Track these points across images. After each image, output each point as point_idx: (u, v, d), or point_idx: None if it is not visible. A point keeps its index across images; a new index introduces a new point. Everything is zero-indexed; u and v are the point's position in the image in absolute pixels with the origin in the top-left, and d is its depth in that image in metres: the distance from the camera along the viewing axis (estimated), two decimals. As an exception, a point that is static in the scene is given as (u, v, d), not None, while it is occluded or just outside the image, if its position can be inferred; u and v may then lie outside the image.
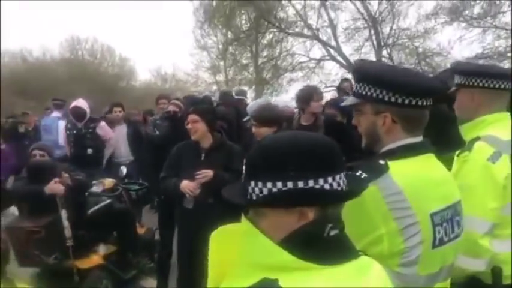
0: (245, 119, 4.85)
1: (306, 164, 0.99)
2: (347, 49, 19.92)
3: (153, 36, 45.97)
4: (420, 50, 18.03)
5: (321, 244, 0.99)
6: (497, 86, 2.12)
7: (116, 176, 5.44)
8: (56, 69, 27.53)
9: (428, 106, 1.54)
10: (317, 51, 20.78)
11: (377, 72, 1.57)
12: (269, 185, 0.99)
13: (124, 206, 4.91)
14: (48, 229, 3.95)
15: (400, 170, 1.46)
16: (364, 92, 1.56)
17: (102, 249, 4.48)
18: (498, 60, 14.81)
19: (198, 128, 3.72)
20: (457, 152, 2.10)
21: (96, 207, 4.54)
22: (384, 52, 19.16)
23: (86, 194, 4.53)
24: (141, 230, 5.15)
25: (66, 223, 3.95)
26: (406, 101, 1.49)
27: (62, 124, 7.07)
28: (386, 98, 1.51)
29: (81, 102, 6.49)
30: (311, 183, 0.98)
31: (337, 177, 1.01)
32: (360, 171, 1.42)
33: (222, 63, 24.47)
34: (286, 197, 0.98)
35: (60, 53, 29.33)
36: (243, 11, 21.07)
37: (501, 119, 2.13)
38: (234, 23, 21.77)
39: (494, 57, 14.85)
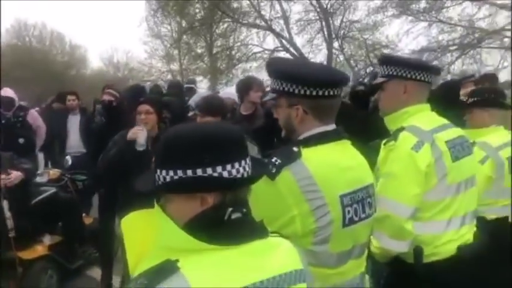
0: (190, 113, 4.87)
1: (204, 154, 1.06)
2: (300, 40, 20.21)
3: (105, 23, 44.74)
4: (369, 42, 18.52)
5: (222, 227, 1.07)
6: (426, 79, 2.27)
7: (61, 167, 5.36)
8: (1, 56, 26.38)
9: (337, 96, 1.65)
10: (271, 42, 20.95)
11: (287, 69, 1.68)
12: (171, 172, 1.07)
13: (69, 196, 4.85)
14: (-11, 220, 3.87)
15: (312, 156, 1.58)
16: (278, 87, 1.66)
17: (47, 239, 4.43)
18: (441, 53, 15.42)
19: (150, 119, 3.68)
20: (383, 141, 2.24)
21: (40, 197, 4.47)
22: (336, 44, 19.53)
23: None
24: (87, 220, 5.11)
25: (8, 214, 3.89)
26: (314, 93, 1.60)
27: None
28: (297, 91, 1.61)
29: (8, 92, 6.30)
30: (209, 171, 1.05)
31: (237, 164, 1.08)
32: (275, 158, 1.54)
33: (176, 52, 24.22)
34: (186, 183, 1.06)
35: (6, 39, 28.14)
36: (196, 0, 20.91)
37: (422, 109, 2.28)
38: (188, 11, 21.56)
39: (437, 50, 15.43)
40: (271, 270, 1.07)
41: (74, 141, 6.64)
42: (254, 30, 21.34)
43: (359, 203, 1.64)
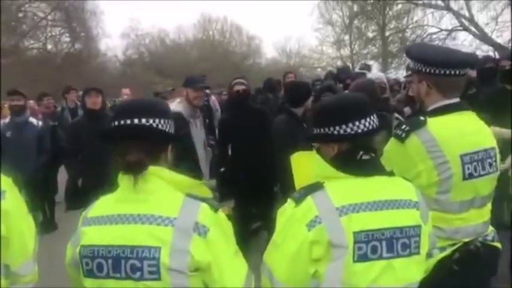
0: None
1: (333, 117, 1.56)
2: (482, 18, 18.69)
3: (279, 13, 46.83)
4: None
5: (355, 163, 1.54)
6: None
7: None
8: (189, 50, 29.75)
9: (458, 75, 1.96)
10: (447, 22, 19.81)
11: (417, 51, 2.09)
12: (316, 130, 1.61)
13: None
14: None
15: (435, 124, 1.95)
16: (412, 67, 2.06)
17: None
18: None
19: None
20: None
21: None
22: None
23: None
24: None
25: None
26: (436, 71, 1.96)
27: None
28: (423, 70, 2.00)
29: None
30: (337, 128, 1.54)
31: (357, 122, 1.53)
32: (404, 125, 1.98)
33: (347, 37, 24.39)
34: (322, 137, 1.58)
35: (193, 34, 31.45)
36: (368, -17, 20.75)
37: None
38: (359, -5, 21.51)
39: None
40: (388, 194, 1.51)
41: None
42: (430, 10, 20.40)
43: (479, 162, 1.96)
